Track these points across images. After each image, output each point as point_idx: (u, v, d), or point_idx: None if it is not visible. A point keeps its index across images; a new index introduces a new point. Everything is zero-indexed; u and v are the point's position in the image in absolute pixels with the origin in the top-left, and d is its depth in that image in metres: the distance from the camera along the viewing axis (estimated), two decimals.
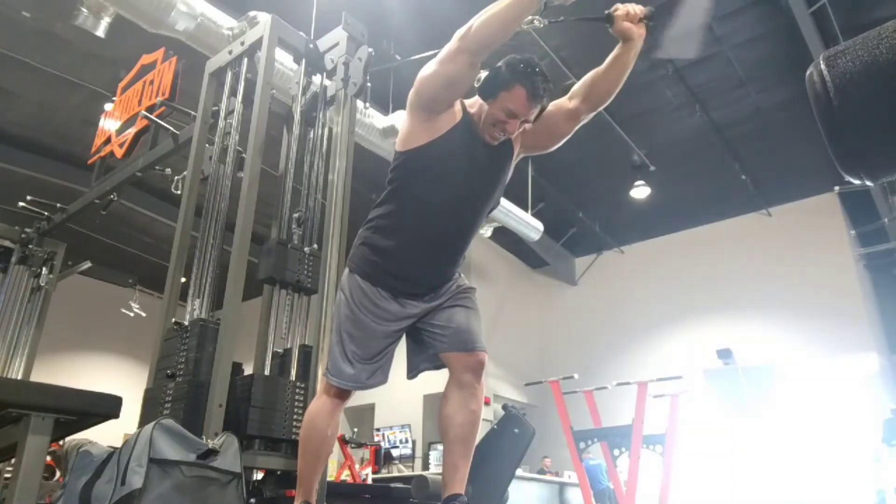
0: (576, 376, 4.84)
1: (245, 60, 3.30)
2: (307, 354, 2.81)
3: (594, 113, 2.02)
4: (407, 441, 10.25)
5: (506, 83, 1.82)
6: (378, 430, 10.41)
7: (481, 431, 2.23)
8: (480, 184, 1.97)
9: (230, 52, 3.38)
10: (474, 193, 1.97)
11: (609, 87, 1.94)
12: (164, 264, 3.32)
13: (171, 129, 3.95)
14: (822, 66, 0.90)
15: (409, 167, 1.94)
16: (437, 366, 2.06)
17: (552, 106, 2.00)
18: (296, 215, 3.01)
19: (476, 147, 1.92)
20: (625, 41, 1.85)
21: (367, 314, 1.97)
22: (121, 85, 4.76)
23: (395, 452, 9.43)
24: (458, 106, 1.92)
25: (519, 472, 5.12)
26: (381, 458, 8.19)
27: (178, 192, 3.58)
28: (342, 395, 2.03)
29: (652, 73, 7.18)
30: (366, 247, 2.01)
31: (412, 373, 2.11)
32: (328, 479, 2.74)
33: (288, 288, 2.88)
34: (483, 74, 1.85)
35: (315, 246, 2.98)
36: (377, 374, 2.01)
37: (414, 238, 1.95)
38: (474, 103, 1.93)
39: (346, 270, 2.06)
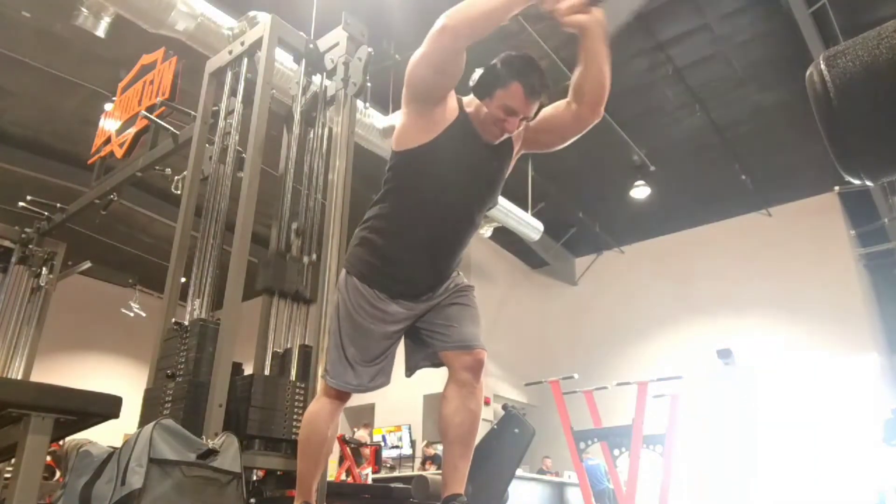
0: (576, 376, 4.85)
1: (245, 60, 3.30)
2: (307, 354, 2.81)
3: (597, 109, 1.94)
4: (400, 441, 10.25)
5: (502, 81, 1.79)
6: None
7: (481, 431, 2.22)
8: (479, 183, 1.95)
9: (230, 52, 3.38)
10: (473, 193, 1.94)
11: (595, 81, 1.87)
12: (164, 264, 3.31)
13: (171, 129, 3.94)
14: (822, 66, 0.89)
15: (406, 168, 1.91)
16: (436, 363, 2.04)
17: (559, 105, 1.97)
18: (294, 225, 3.00)
19: (474, 145, 1.89)
20: (581, 33, 1.79)
21: (365, 316, 1.95)
22: (121, 85, 4.75)
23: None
24: (454, 103, 1.89)
25: (519, 472, 5.11)
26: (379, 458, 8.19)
27: (178, 192, 3.58)
28: (342, 396, 2.02)
29: (652, 74, 7.19)
30: (362, 248, 1.98)
31: (410, 371, 2.10)
32: (328, 479, 2.74)
33: (287, 298, 2.89)
34: (478, 73, 1.83)
35: (314, 256, 2.97)
36: (379, 376, 1.99)
37: (412, 239, 1.93)
38: (471, 102, 1.90)
39: (343, 272, 2.03)
